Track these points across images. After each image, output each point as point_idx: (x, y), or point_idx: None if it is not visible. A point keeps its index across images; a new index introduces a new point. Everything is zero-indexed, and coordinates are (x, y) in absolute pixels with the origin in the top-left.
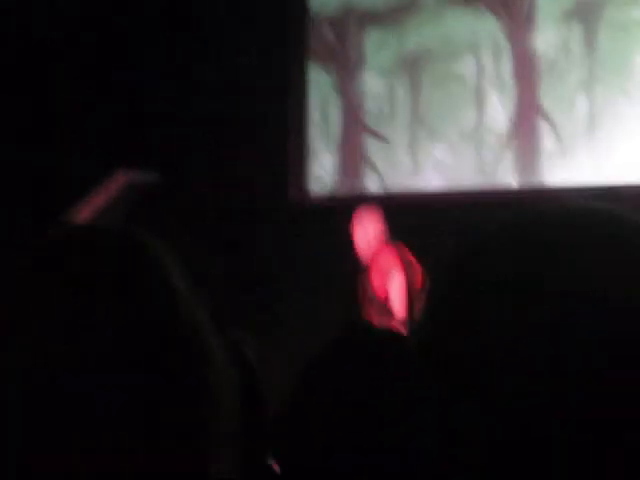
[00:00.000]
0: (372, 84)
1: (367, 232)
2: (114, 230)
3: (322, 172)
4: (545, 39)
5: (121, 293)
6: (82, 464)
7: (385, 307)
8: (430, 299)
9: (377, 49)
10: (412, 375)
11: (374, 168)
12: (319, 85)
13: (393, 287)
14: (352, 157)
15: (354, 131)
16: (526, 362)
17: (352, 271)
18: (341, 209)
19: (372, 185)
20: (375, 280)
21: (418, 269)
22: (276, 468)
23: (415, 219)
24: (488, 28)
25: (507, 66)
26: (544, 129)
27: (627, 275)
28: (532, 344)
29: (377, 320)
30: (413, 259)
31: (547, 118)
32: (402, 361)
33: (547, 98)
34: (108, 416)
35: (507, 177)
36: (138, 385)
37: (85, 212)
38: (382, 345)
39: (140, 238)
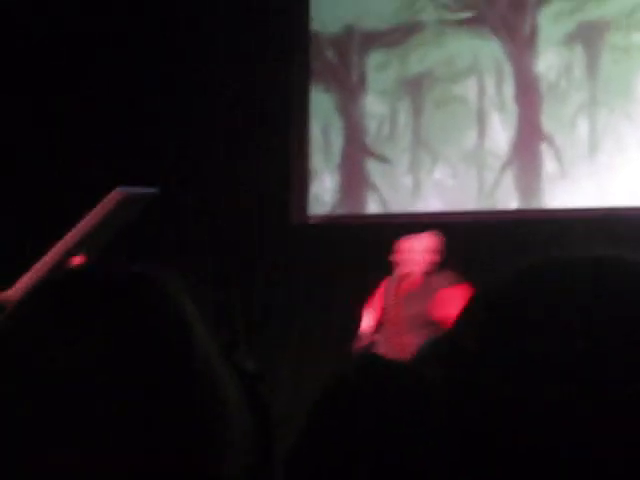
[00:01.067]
0: (374, 105)
1: (421, 254)
2: (129, 269)
3: (323, 193)
4: (547, 62)
5: (136, 332)
6: None
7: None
8: (456, 334)
9: (379, 70)
10: (427, 410)
11: (375, 189)
12: (321, 106)
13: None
14: (353, 178)
15: (355, 152)
16: (556, 413)
17: (354, 291)
18: (342, 230)
19: (373, 206)
20: (426, 303)
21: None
22: None
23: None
24: (490, 50)
25: (509, 88)
26: (545, 152)
27: None
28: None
29: (405, 340)
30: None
31: (548, 141)
32: (415, 395)
33: (549, 121)
34: (121, 455)
35: (508, 200)
36: (150, 424)
37: (82, 229)
38: (395, 379)
39: (155, 275)
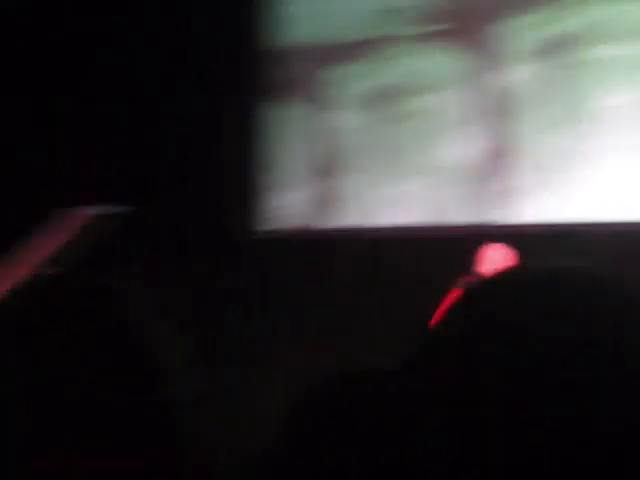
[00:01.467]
0: (344, 118)
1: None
2: (78, 278)
3: (295, 206)
4: (516, 75)
5: (95, 342)
6: None
7: None
8: (427, 346)
9: (348, 83)
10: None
11: (346, 202)
12: (292, 119)
13: None
14: (324, 191)
15: (326, 165)
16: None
17: (326, 305)
18: (313, 243)
19: (344, 219)
20: None
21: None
22: None
23: (390, 252)
24: (459, 63)
25: (478, 102)
26: (515, 166)
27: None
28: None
29: None
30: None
31: (518, 154)
32: (398, 401)
33: (518, 134)
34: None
35: (478, 213)
36: (105, 432)
37: (46, 249)
38: (377, 385)
39: (119, 287)
